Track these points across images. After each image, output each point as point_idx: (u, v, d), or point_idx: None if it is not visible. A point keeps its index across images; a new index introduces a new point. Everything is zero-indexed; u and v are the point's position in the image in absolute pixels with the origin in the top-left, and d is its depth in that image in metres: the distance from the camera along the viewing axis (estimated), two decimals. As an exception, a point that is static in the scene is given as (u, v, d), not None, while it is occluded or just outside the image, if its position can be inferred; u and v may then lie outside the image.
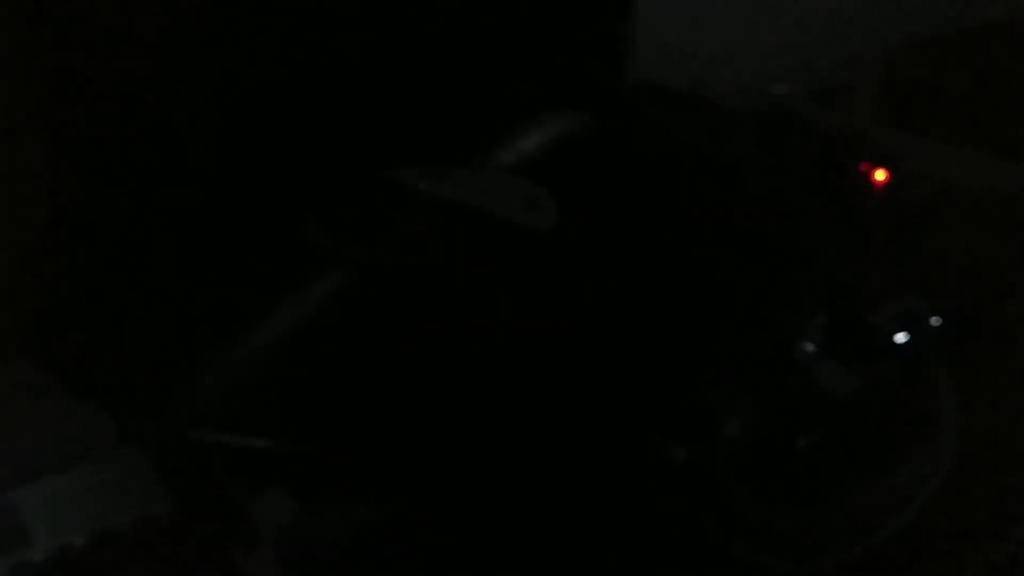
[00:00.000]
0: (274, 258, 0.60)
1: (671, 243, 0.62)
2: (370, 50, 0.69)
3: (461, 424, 0.50)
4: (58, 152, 0.65)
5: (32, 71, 0.66)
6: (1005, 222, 0.71)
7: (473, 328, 0.56)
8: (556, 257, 0.61)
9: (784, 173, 0.69)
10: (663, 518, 0.52)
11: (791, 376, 0.56)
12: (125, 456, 0.65)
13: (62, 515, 0.62)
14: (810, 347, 0.57)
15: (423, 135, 0.68)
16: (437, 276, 0.59)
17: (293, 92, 0.67)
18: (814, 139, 0.75)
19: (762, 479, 0.54)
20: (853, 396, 0.57)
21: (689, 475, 0.52)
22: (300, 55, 0.67)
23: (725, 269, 0.60)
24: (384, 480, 0.49)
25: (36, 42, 0.65)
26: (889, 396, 0.58)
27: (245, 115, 0.66)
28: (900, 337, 0.59)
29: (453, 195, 0.63)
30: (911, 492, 0.57)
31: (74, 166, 0.65)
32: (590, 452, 0.51)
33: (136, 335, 0.57)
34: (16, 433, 0.66)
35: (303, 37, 0.67)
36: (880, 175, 0.72)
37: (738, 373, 0.55)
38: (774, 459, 0.55)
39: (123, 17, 0.65)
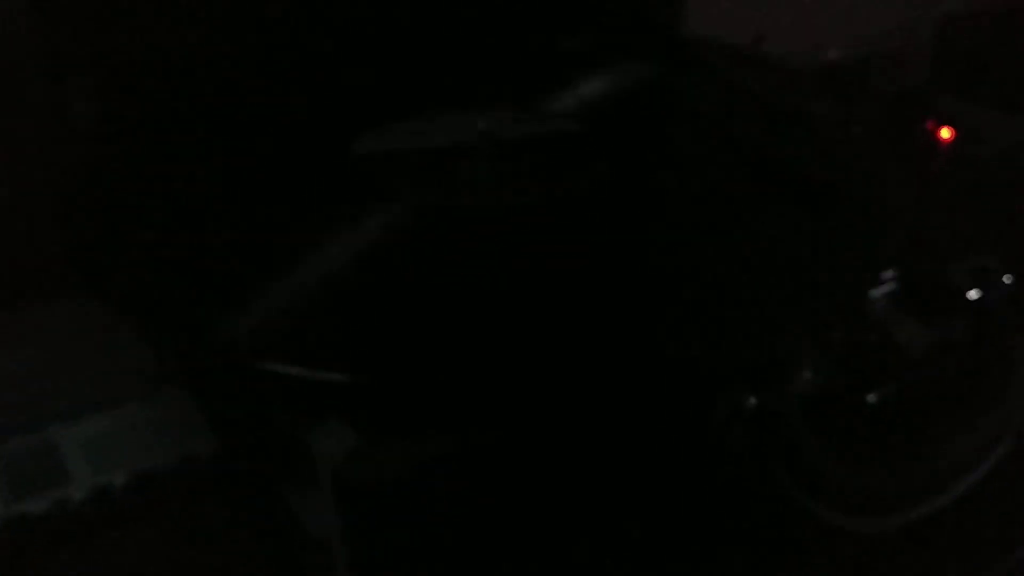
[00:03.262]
0: (332, 187, 0.58)
1: (736, 192, 0.60)
2: None
3: (527, 363, 0.49)
4: (106, 81, 0.64)
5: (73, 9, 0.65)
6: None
7: (533, 268, 0.54)
8: (617, 203, 0.59)
9: (848, 124, 0.67)
10: (732, 465, 0.50)
11: (863, 330, 0.55)
12: (168, 395, 0.64)
13: (102, 454, 0.61)
14: (883, 301, 0.56)
15: (485, 76, 0.66)
16: (495, 214, 0.57)
17: (364, 32, 0.66)
18: (878, 96, 0.73)
19: (832, 432, 0.52)
20: (925, 352, 0.55)
21: (759, 423, 0.50)
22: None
23: (794, 220, 0.59)
24: (450, 414, 0.47)
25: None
26: (961, 353, 0.57)
27: (309, 46, 0.65)
28: (973, 294, 0.57)
29: (512, 136, 0.62)
30: (981, 452, 0.56)
31: (123, 93, 0.64)
32: (661, 398, 0.50)
33: (187, 262, 0.56)
34: (58, 370, 0.66)
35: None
36: (946, 133, 0.71)
37: (810, 324, 0.53)
38: (844, 413, 0.53)
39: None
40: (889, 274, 0.56)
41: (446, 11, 0.67)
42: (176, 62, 0.63)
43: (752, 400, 0.50)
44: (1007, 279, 0.58)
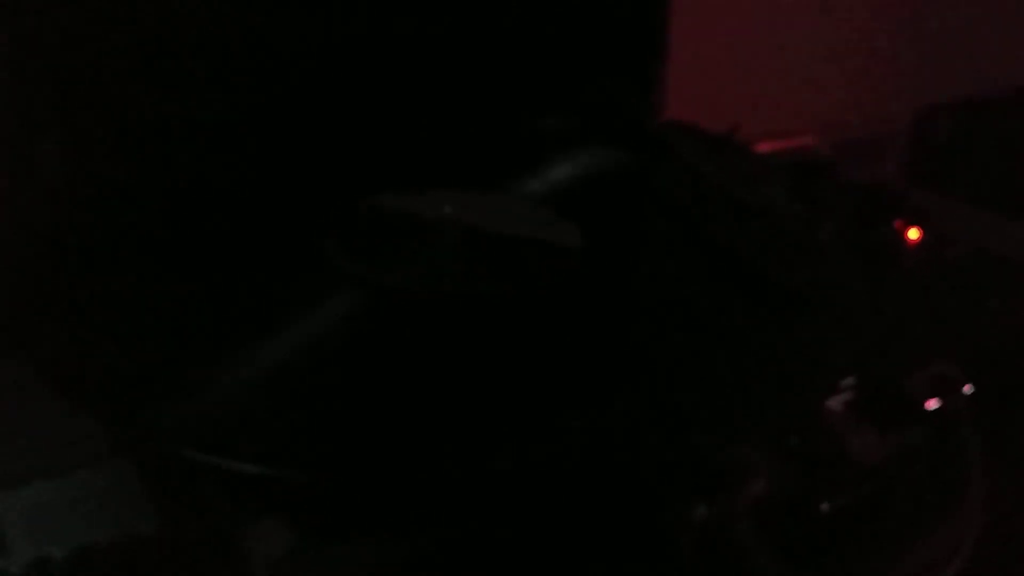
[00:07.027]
0: (284, 274, 0.58)
1: (699, 289, 0.60)
2: (409, 74, 0.67)
3: (475, 463, 0.48)
4: (67, 154, 0.63)
5: (44, 70, 0.64)
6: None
7: (490, 360, 0.53)
8: (579, 291, 0.59)
9: (817, 224, 0.67)
10: (683, 573, 0.49)
11: (819, 438, 0.54)
12: (114, 469, 0.62)
13: (42, 525, 0.59)
14: (840, 408, 0.55)
15: (454, 160, 0.66)
16: (455, 303, 0.56)
17: (327, 110, 0.65)
18: (848, 193, 0.73)
19: (784, 541, 0.51)
20: (881, 461, 0.55)
21: (710, 532, 0.49)
22: (337, 73, 0.66)
23: (755, 321, 0.58)
24: (391, 519, 0.46)
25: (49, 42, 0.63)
26: (918, 464, 0.56)
27: (274, 126, 0.65)
28: (932, 404, 0.57)
29: (479, 221, 0.61)
30: (937, 563, 0.55)
31: (81, 168, 0.63)
32: (611, 504, 0.49)
33: (135, 345, 0.55)
34: (1, 436, 0.64)
35: (343, 56, 0.66)
36: (914, 234, 0.71)
37: (765, 432, 0.53)
38: (797, 522, 0.53)
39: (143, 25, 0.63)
40: (847, 381, 0.56)
41: (413, 96, 0.67)
42: (144, 137, 0.63)
43: (702, 508, 0.49)
44: (967, 389, 0.58)
